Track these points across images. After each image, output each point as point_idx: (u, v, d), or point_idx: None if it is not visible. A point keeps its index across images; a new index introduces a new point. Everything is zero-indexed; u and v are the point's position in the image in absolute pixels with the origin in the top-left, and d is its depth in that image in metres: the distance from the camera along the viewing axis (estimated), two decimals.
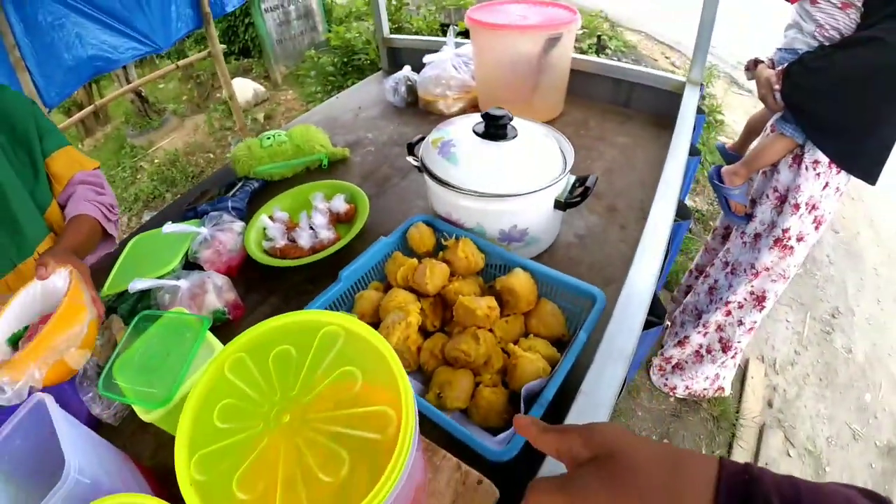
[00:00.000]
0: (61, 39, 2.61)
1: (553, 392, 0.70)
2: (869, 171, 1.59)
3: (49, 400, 0.72)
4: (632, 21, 7.52)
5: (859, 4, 1.45)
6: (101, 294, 1.18)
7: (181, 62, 3.58)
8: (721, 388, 2.26)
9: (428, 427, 0.72)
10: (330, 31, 5.54)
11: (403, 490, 0.41)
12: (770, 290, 1.84)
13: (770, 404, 2.36)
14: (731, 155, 2.09)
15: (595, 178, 1.05)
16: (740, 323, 1.95)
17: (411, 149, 1.17)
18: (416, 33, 4.12)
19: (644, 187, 1.38)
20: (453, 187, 0.97)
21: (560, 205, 1.03)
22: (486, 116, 1.02)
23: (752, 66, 1.75)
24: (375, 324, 0.89)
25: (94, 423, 0.94)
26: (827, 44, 1.51)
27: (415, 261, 0.95)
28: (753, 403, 2.32)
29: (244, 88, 5.87)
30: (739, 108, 5.15)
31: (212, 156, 5.34)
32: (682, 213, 1.17)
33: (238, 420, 0.47)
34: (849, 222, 3.74)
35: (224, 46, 7.19)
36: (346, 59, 4.06)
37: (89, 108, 3.46)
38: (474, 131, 1.04)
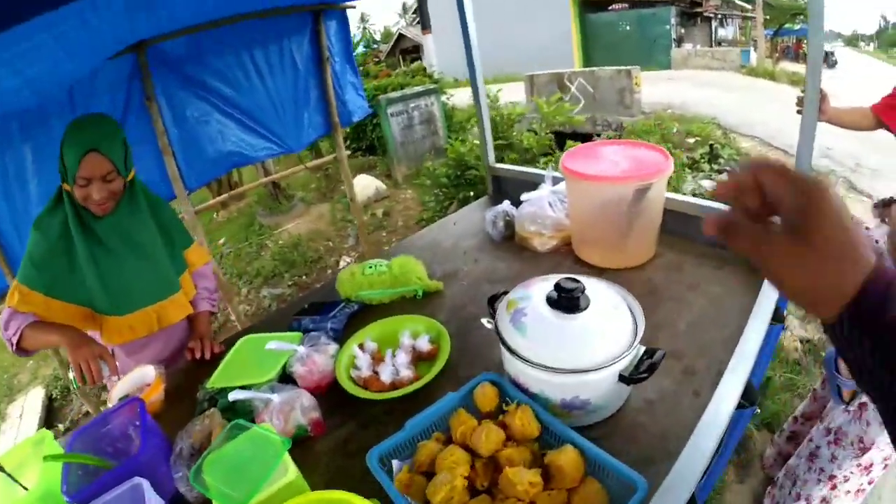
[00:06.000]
0: (205, 134, 3.02)
1: None
2: None
3: (146, 484, 0.95)
4: (744, 126, 7.35)
5: None
6: (207, 387, 1.45)
7: (310, 164, 4.06)
8: None
9: None
10: (450, 137, 5.96)
11: None
12: (877, 459, 1.67)
13: None
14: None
15: (662, 353, 1.08)
16: (847, 492, 1.77)
17: (492, 303, 1.26)
18: (527, 150, 4.33)
19: (726, 347, 1.31)
20: (519, 357, 1.05)
21: (625, 379, 1.06)
22: (558, 287, 1.10)
23: (885, 205, 1.67)
24: (431, 473, 0.98)
25: (177, 496, 1.14)
26: None
27: (474, 422, 1.03)
28: None
29: (367, 185, 6.38)
30: (861, 212, 4.83)
31: (331, 244, 5.78)
32: (749, 397, 1.14)
33: None
34: None
35: (353, 143, 7.99)
36: (458, 173, 4.34)
37: (236, 191, 3.99)
38: (548, 298, 1.12)
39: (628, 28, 17.45)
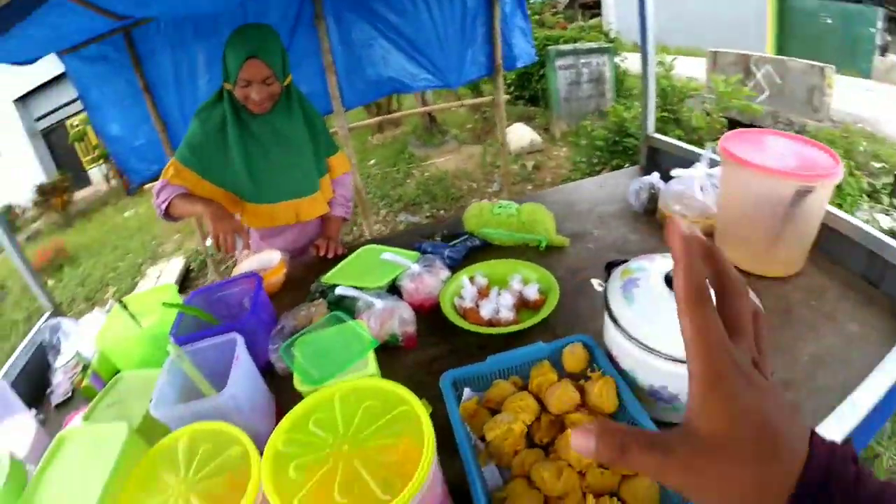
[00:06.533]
0: (368, 57, 3.14)
1: None
2: None
3: (240, 339, 1.08)
4: None
5: None
6: (322, 281, 1.59)
7: (466, 102, 4.09)
8: None
9: None
10: (617, 102, 5.63)
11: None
12: None
13: None
14: None
15: (770, 372, 0.97)
16: None
17: (609, 268, 1.22)
18: (694, 130, 3.99)
19: (842, 395, 1.10)
20: (619, 326, 1.01)
21: None
22: None
23: None
24: (498, 412, 0.98)
25: (269, 366, 1.30)
26: None
27: (554, 377, 1.01)
28: None
29: (522, 135, 6.27)
30: None
31: (475, 185, 5.82)
32: None
33: (321, 427, 0.76)
34: None
35: (516, 90, 7.84)
36: (616, 138, 4.12)
37: (392, 116, 4.16)
38: (666, 276, 1.05)
39: (829, 22, 14.62)
